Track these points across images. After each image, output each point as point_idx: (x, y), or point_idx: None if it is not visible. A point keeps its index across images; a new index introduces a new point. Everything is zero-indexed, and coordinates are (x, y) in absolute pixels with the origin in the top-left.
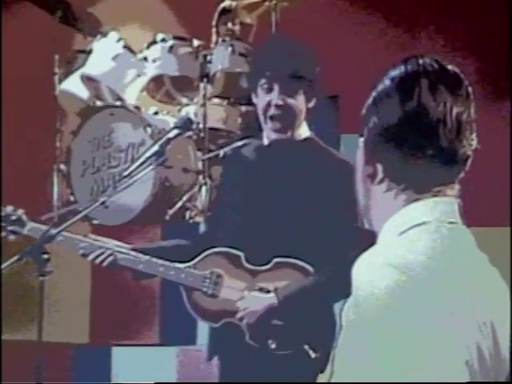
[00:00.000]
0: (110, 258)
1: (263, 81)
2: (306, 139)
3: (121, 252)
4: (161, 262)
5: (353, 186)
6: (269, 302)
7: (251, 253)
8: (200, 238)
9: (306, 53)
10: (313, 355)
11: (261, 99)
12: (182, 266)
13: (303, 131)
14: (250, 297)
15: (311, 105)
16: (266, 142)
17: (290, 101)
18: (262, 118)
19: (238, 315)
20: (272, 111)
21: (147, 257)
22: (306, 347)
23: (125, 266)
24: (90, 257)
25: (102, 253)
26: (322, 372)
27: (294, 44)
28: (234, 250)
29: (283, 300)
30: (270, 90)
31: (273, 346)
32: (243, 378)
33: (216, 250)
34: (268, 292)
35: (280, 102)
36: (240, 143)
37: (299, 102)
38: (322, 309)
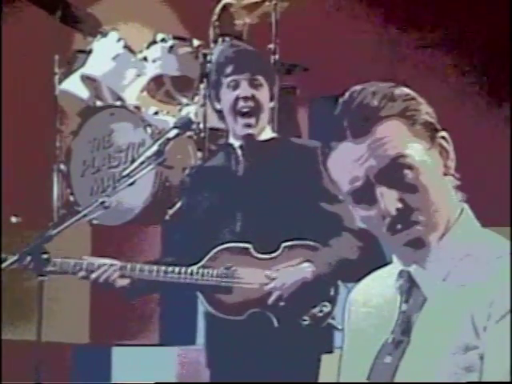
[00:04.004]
0: (117, 274)
1: (229, 79)
2: (270, 139)
3: (125, 267)
4: (171, 268)
5: (317, 165)
6: (306, 270)
7: (258, 243)
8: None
9: (262, 54)
10: (328, 307)
11: (227, 98)
12: (194, 267)
13: (267, 133)
14: (283, 273)
15: (272, 104)
16: (232, 140)
17: (257, 93)
18: (230, 117)
19: (273, 296)
20: (241, 104)
21: (155, 266)
22: (326, 303)
23: (134, 277)
24: (93, 275)
25: (106, 270)
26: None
27: (249, 47)
28: (242, 244)
29: (320, 267)
30: (236, 87)
31: (305, 323)
32: (267, 368)
33: (224, 246)
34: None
35: (248, 94)
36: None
37: (264, 96)
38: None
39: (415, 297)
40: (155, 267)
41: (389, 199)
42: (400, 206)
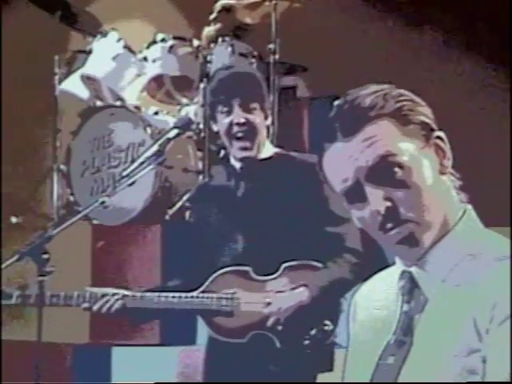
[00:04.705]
0: (118, 303)
1: (220, 106)
2: (272, 156)
3: (126, 296)
4: (171, 294)
5: (319, 183)
6: (302, 295)
7: (258, 266)
8: (199, 268)
9: (251, 74)
10: (330, 327)
11: (221, 123)
12: (194, 292)
13: (268, 149)
14: (279, 298)
15: (268, 122)
16: (233, 162)
17: (250, 117)
18: (226, 141)
19: (270, 321)
20: (235, 130)
21: (156, 294)
22: (328, 322)
23: (130, 309)
24: (95, 307)
25: (108, 300)
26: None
27: (239, 70)
28: (241, 267)
29: (315, 291)
30: (229, 112)
31: (306, 343)
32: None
33: (223, 270)
34: (293, 289)
35: (242, 120)
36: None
37: (258, 119)
38: (343, 297)
39: (417, 297)
40: (156, 295)
41: (378, 198)
42: (389, 204)
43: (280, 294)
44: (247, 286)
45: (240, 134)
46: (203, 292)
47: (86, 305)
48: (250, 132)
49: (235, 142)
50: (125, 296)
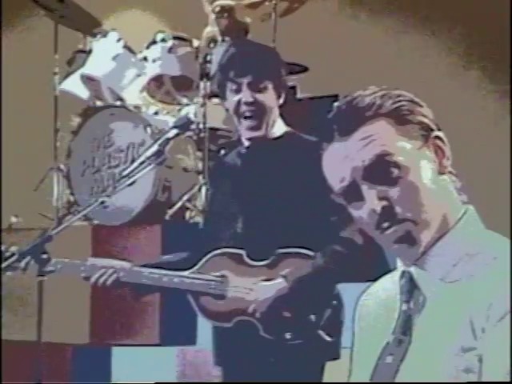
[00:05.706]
0: (113, 277)
1: (230, 83)
2: (283, 135)
3: (122, 269)
4: (164, 272)
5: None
6: (279, 286)
7: (252, 250)
8: (199, 246)
9: (267, 51)
10: (312, 319)
11: (230, 100)
12: (185, 272)
13: (279, 128)
14: (258, 287)
15: (281, 101)
16: (243, 140)
17: (260, 97)
18: (235, 119)
19: (250, 309)
20: (243, 109)
21: (149, 270)
22: (321, 332)
23: (128, 282)
24: (92, 279)
25: (104, 273)
26: (335, 359)
27: (255, 45)
28: (235, 250)
29: (293, 283)
30: (238, 91)
31: (288, 336)
32: (255, 375)
33: (217, 251)
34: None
35: (250, 99)
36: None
37: (269, 98)
38: (330, 290)
39: (416, 297)
40: (149, 271)
41: (374, 197)
42: (385, 203)
43: (262, 283)
44: (238, 269)
45: (248, 114)
46: (194, 273)
47: (84, 274)
48: (258, 111)
49: (243, 121)
50: (121, 269)
